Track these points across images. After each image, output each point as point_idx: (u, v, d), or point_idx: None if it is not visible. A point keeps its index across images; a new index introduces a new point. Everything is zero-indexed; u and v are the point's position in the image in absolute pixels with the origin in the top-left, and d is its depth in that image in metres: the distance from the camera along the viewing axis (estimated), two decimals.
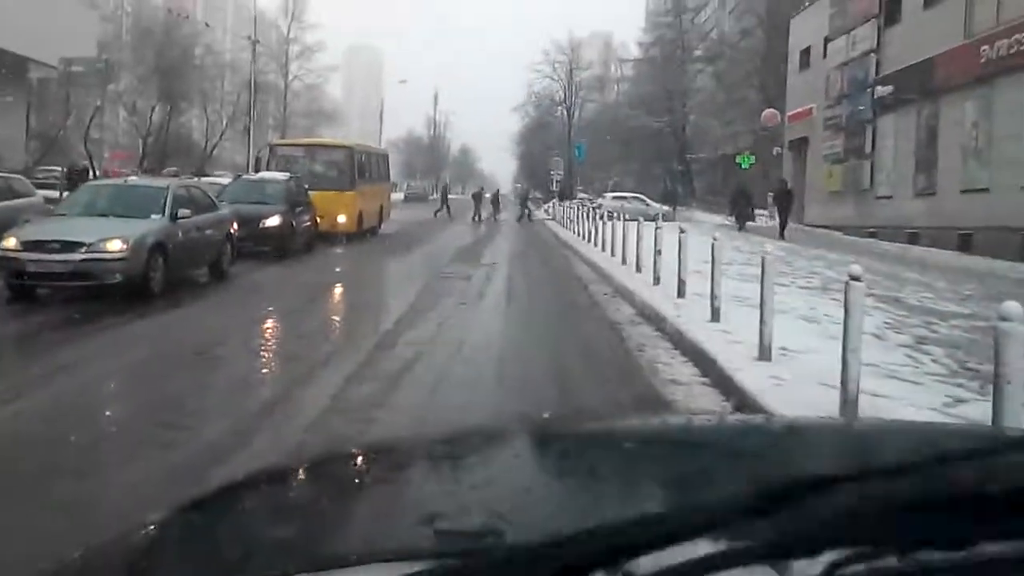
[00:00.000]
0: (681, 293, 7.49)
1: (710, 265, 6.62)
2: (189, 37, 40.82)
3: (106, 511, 2.76)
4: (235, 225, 10.47)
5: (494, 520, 0.63)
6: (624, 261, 11.02)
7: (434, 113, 79.78)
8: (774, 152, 30.04)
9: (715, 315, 6.33)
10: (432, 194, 46.69)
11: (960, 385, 4.54)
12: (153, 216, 8.43)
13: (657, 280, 8.58)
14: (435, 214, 28.89)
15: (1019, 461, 0.85)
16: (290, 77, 48.56)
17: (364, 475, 0.91)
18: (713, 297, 6.42)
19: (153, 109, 39.57)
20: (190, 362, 5.46)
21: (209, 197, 10.19)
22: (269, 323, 7.43)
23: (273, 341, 6.68)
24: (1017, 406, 2.80)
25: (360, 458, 0.99)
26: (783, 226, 19.96)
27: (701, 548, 0.54)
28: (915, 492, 0.70)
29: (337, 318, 8.16)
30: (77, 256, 7.53)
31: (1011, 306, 2.85)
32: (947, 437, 1.05)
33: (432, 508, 0.69)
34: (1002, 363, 2.81)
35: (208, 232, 9.42)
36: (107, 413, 4.46)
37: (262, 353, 6.04)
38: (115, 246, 7.65)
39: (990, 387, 3.04)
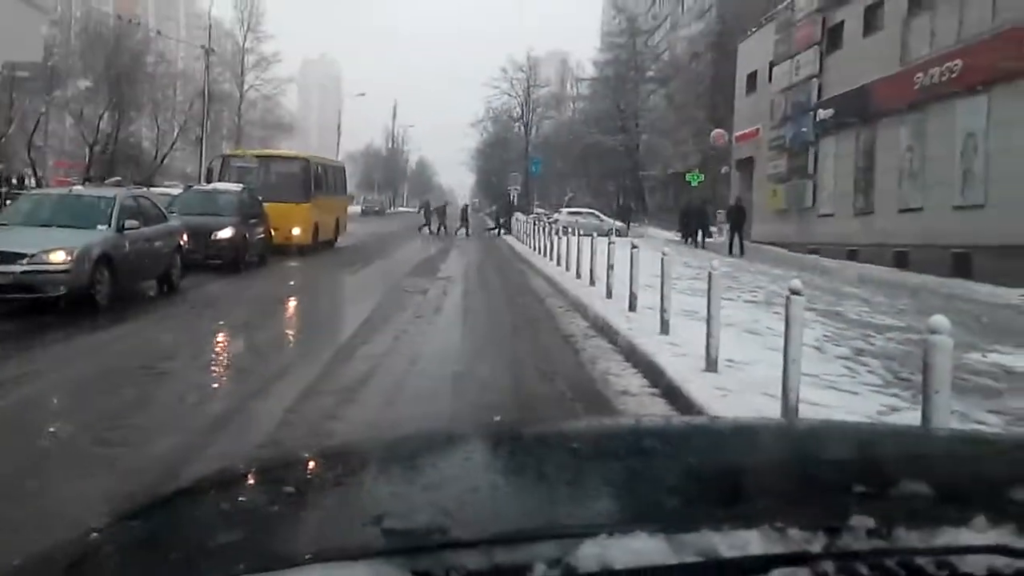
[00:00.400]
0: (633, 307, 7.70)
1: (660, 280, 6.84)
2: (140, 44, 39.84)
3: (47, 529, 2.70)
4: (185, 237, 10.29)
5: (441, 518, 0.64)
6: (579, 275, 11.21)
7: (392, 126, 79.57)
8: (722, 171, 30.95)
9: (665, 328, 6.53)
10: (391, 207, 46.03)
11: (894, 395, 4.80)
12: (99, 227, 8.23)
13: (609, 294, 8.78)
14: (419, 229, 28.58)
15: (944, 455, 0.91)
16: (245, 87, 47.76)
17: (314, 478, 0.92)
18: (663, 311, 6.62)
19: (101, 117, 38.41)
20: (137, 377, 5.34)
21: (158, 208, 9.99)
22: (220, 337, 7.32)
23: (224, 355, 6.59)
24: (945, 413, 2.96)
25: (310, 462, 0.99)
26: (732, 243, 20.56)
27: (641, 542, 0.56)
28: (844, 482, 0.74)
29: (291, 332, 8.07)
30: (18, 268, 7.30)
31: (939, 320, 3.01)
32: (879, 436, 1.08)
33: (380, 508, 0.70)
34: (931, 373, 2.96)
35: (157, 244, 9.23)
36: (49, 430, 4.29)
37: (213, 368, 5.96)
38: (58, 257, 7.44)
39: (921, 396, 3.22)
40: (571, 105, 55.76)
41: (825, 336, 6.79)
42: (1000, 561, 0.54)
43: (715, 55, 34.07)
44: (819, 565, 0.54)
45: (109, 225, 8.31)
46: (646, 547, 0.56)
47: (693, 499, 0.70)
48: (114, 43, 37.35)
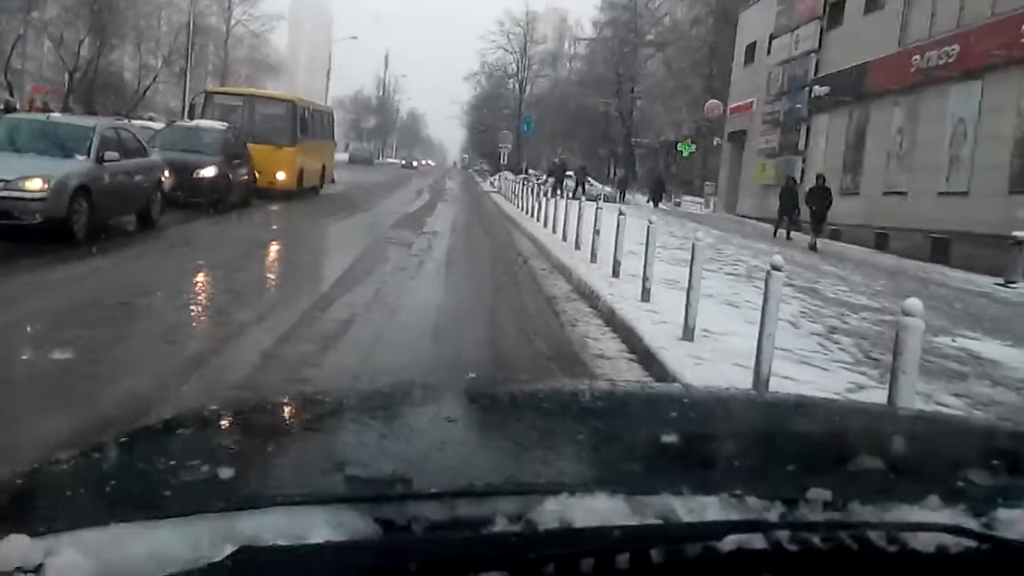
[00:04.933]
0: (616, 273, 7.73)
1: (644, 247, 6.86)
2: None
3: (11, 461, 2.69)
4: (166, 173, 10.10)
5: (406, 469, 0.64)
6: (565, 238, 11.20)
7: (384, 75, 77.96)
8: (714, 142, 30.86)
9: (646, 295, 6.58)
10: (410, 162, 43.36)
11: (863, 373, 4.91)
12: (78, 156, 8.04)
13: (594, 259, 8.80)
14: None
15: (903, 434, 0.93)
16: (232, 22, 46.35)
17: (284, 423, 0.92)
18: (645, 278, 6.66)
19: (81, 43, 37.13)
20: (113, 312, 5.31)
21: (139, 141, 9.77)
22: (200, 277, 7.24)
23: (203, 296, 6.54)
24: (911, 394, 3.03)
25: (281, 407, 1.00)
26: (817, 234, 15.32)
27: (601, 503, 0.57)
28: (805, 455, 0.76)
29: (271, 276, 8.03)
30: None
31: (913, 302, 3.06)
32: (843, 412, 1.10)
33: (347, 456, 0.70)
34: (900, 354, 3.02)
35: (137, 178, 9.06)
36: (22, 358, 4.28)
37: (191, 307, 5.92)
38: (35, 185, 7.28)
39: (889, 375, 3.30)
40: (567, 65, 54.93)
41: (801, 312, 6.90)
42: (949, 539, 0.56)
43: (716, 21, 33.60)
44: (773, 534, 0.55)
45: (88, 155, 8.12)
46: (606, 507, 0.57)
47: (657, 464, 0.71)
48: None
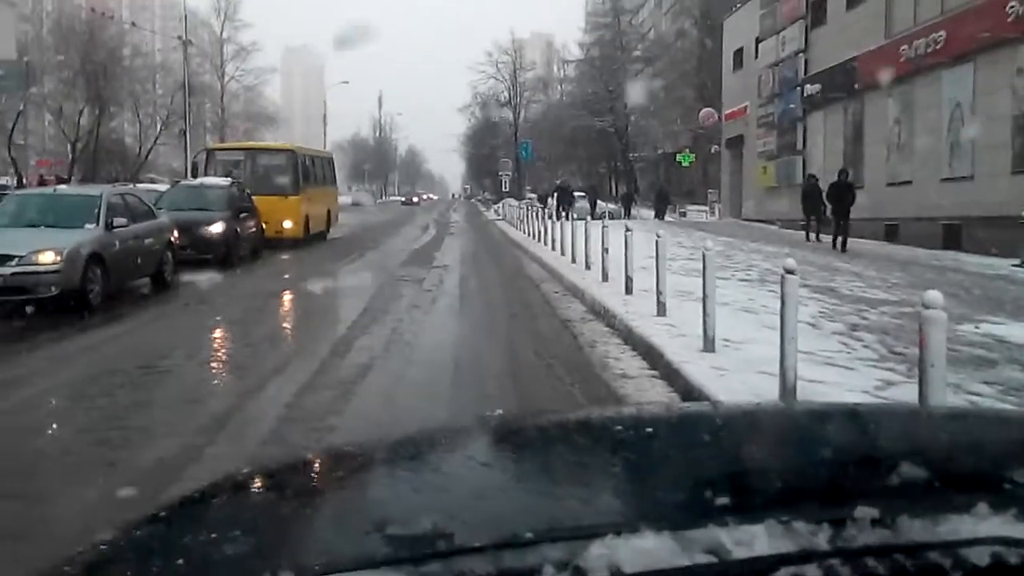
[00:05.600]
0: (629, 289, 7.72)
1: (654, 261, 6.87)
2: (115, 37, 39.19)
3: (52, 537, 2.68)
4: (176, 233, 10.25)
5: (446, 522, 0.63)
6: (573, 260, 11.23)
7: (379, 115, 79.12)
8: (712, 150, 30.98)
9: (661, 309, 6.56)
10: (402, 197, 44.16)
11: (890, 369, 4.86)
12: (87, 225, 8.18)
13: (606, 277, 8.80)
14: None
15: (943, 437, 0.92)
16: (226, 78, 47.26)
17: (316, 483, 0.92)
18: (659, 292, 6.65)
19: (81, 113, 37.90)
20: (134, 377, 5.34)
21: (146, 204, 9.93)
22: (217, 333, 7.31)
23: (222, 352, 6.58)
24: (941, 387, 2.98)
25: (311, 466, 0.99)
26: (843, 234, 14.23)
27: (650, 542, 0.56)
28: (846, 470, 0.75)
29: (288, 326, 8.07)
30: (7, 270, 7.27)
31: (933, 295, 3.02)
32: (878, 417, 1.08)
33: (385, 514, 0.69)
34: (926, 347, 2.98)
35: (147, 241, 9.19)
36: (48, 433, 4.28)
37: (211, 365, 5.95)
38: (48, 258, 7.41)
39: (916, 369, 3.26)
40: (558, 87, 55.51)
41: (820, 312, 6.85)
42: (1003, 550, 0.55)
43: (700, 32, 33.94)
44: (826, 562, 0.54)
45: (97, 223, 8.26)
46: (654, 547, 0.56)
47: (697, 492, 0.70)
48: (88, 37, 36.78)
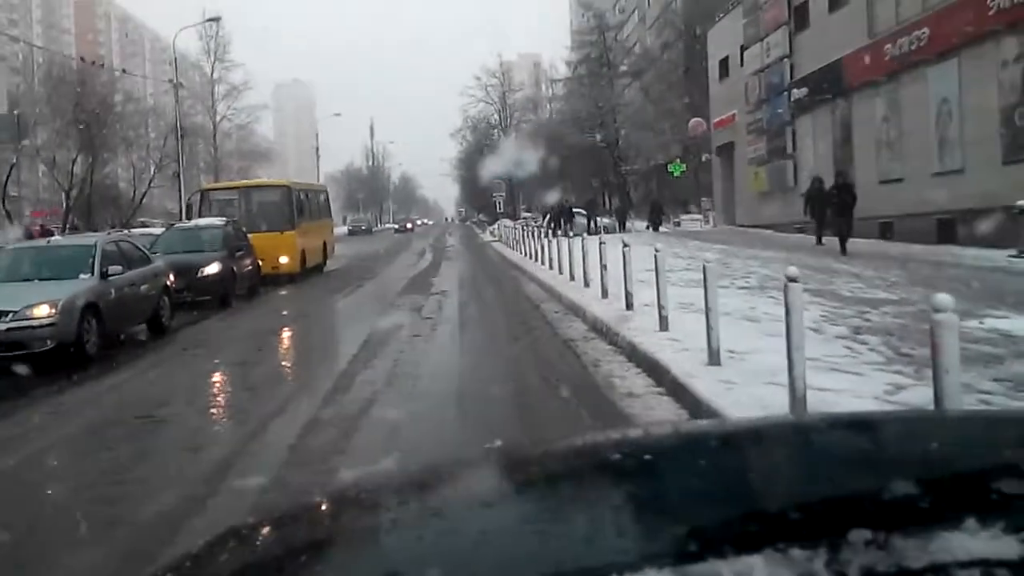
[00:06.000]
0: (630, 305, 7.67)
1: (654, 275, 6.82)
2: (106, 85, 39.53)
3: None
4: (171, 277, 10.21)
5: (451, 570, 0.63)
6: (572, 278, 11.19)
7: (371, 143, 79.68)
8: (703, 159, 31.10)
9: (664, 324, 6.50)
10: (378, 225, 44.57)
11: (898, 372, 4.78)
12: (81, 276, 8.14)
13: (605, 294, 8.75)
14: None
15: (950, 447, 0.90)
16: (219, 118, 47.54)
17: (319, 534, 0.91)
18: (660, 307, 6.60)
19: (74, 161, 38.07)
20: (133, 428, 5.25)
21: (141, 249, 9.91)
22: (216, 377, 7.23)
23: (221, 397, 6.50)
24: (957, 392, 2.91)
25: (315, 515, 0.99)
26: (845, 235, 13.88)
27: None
28: (846, 488, 0.75)
29: (287, 365, 7.99)
30: (3, 325, 7.21)
31: (942, 298, 2.95)
32: (884, 429, 1.08)
33: (393, 564, 0.69)
34: (939, 353, 2.91)
35: (143, 287, 9.15)
36: (48, 492, 4.18)
37: (211, 411, 5.86)
38: (43, 311, 7.36)
39: (925, 371, 3.18)
40: (548, 106, 55.94)
41: (822, 316, 6.79)
42: (1000, 573, 0.55)
43: (686, 42, 34.24)
44: None
45: (92, 273, 8.22)
46: None
47: (698, 524, 0.70)
48: (80, 86, 37.08)
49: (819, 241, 15.51)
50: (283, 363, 8.04)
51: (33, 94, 40.28)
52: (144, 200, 42.14)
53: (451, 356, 7.30)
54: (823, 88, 19.04)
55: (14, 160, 35.24)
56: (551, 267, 13.57)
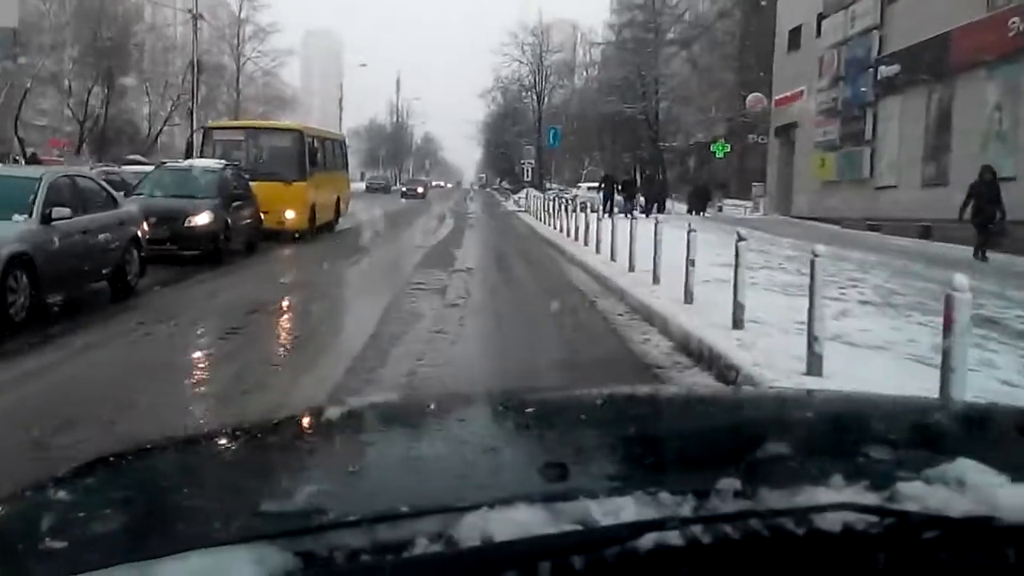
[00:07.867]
0: (738, 323, 5.51)
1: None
2: (129, 12, 37.84)
3: None
4: (146, 225, 8.35)
5: (324, 500, 0.67)
6: (631, 268, 9.16)
7: (396, 99, 77.21)
8: (757, 139, 28.65)
9: (815, 364, 4.45)
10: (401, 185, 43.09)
11: None
12: (16, 217, 6.26)
13: (689, 298, 6.69)
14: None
15: (818, 415, 0.99)
16: (243, 60, 45.68)
17: (202, 462, 0.93)
18: (811, 336, 4.55)
19: (90, 91, 36.48)
20: (15, 461, 3.40)
21: (106, 190, 7.96)
22: (163, 376, 5.03)
23: (168, 411, 4.47)
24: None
25: (197, 445, 1.02)
26: (983, 239, 12.40)
27: (520, 513, 0.58)
28: (724, 448, 0.80)
29: (268, 364, 5.63)
30: None
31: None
32: (775, 401, 1.18)
33: (266, 492, 0.72)
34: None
35: (102, 236, 7.26)
36: None
37: (169, 411, 4.10)
38: None
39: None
40: (584, 73, 53.19)
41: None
42: (853, 517, 0.58)
43: (746, 10, 31.48)
44: (688, 529, 0.57)
45: (29, 215, 6.34)
46: (526, 518, 0.58)
47: (581, 470, 0.73)
48: (100, 11, 35.27)
49: (982, 256, 12.03)
50: (261, 361, 5.75)
51: (53, 18, 38.41)
52: (162, 138, 40.58)
53: (489, 368, 5.35)
54: (919, 66, 16.58)
55: (28, 85, 33.78)
56: (598, 250, 11.52)
